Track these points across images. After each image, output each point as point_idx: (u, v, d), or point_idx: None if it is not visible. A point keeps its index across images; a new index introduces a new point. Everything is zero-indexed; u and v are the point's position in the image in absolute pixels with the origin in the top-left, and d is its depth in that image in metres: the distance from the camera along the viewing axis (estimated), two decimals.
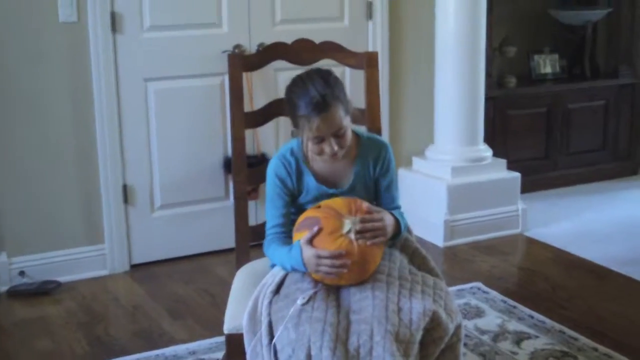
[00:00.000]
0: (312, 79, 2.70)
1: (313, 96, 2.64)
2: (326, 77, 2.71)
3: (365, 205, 2.66)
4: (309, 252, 2.58)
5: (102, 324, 4.16)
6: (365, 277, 2.60)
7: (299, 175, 2.84)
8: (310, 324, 2.43)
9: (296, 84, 2.74)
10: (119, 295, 4.54)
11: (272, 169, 2.85)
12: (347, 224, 2.57)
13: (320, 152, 2.72)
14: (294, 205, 2.87)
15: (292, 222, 2.80)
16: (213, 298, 4.42)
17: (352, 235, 2.55)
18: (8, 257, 4.57)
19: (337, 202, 2.66)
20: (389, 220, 2.73)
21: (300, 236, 2.61)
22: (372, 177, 2.88)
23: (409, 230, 2.97)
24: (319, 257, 2.56)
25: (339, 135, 2.69)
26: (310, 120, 2.64)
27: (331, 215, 2.58)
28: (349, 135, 2.75)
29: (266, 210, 2.88)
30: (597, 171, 6.59)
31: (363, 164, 2.86)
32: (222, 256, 4.95)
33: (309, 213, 2.64)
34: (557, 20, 6.55)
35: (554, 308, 4.24)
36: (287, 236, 2.81)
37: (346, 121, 2.71)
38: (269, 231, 2.86)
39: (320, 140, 2.69)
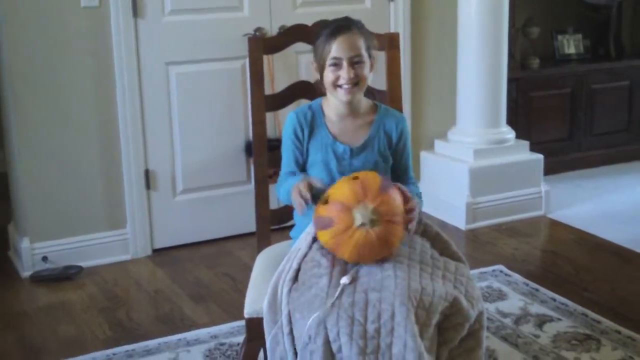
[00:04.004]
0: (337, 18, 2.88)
1: (336, 22, 2.81)
2: (351, 17, 2.88)
3: (376, 182, 2.58)
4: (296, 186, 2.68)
5: (124, 308, 4.18)
6: (389, 254, 2.57)
7: (313, 128, 2.89)
8: (324, 310, 2.42)
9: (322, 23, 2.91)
10: (141, 280, 4.55)
11: (288, 121, 2.92)
12: (358, 218, 2.51)
13: (336, 81, 2.79)
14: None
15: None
16: (234, 282, 4.43)
17: (367, 226, 2.50)
18: (30, 242, 4.59)
19: (344, 191, 2.57)
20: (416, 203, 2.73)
21: (322, 235, 2.59)
22: (386, 146, 2.92)
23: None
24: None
25: (356, 62, 2.78)
26: (330, 43, 2.78)
27: (341, 210, 2.53)
28: (367, 72, 2.82)
29: (282, 160, 2.96)
30: (621, 152, 6.54)
31: (378, 131, 2.91)
32: (243, 240, 4.95)
33: (320, 212, 2.59)
34: None
35: (577, 290, 4.21)
36: None
37: (365, 55, 2.81)
38: (282, 175, 2.95)
39: (337, 65, 2.78)
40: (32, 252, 4.59)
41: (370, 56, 2.84)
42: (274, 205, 3.25)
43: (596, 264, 4.59)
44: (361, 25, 2.84)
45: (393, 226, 2.54)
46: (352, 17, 2.88)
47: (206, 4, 4.81)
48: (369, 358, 2.38)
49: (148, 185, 4.83)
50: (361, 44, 2.79)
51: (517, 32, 6.05)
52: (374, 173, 2.65)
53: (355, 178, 2.59)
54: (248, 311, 2.78)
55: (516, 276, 4.37)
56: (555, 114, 6.21)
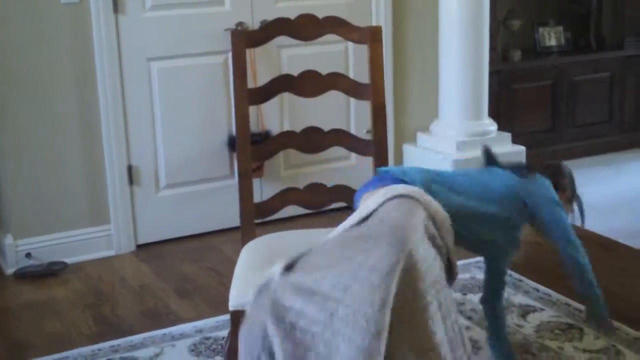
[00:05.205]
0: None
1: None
2: None
3: None
4: None
5: (109, 304, 4.18)
6: None
7: None
8: None
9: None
10: (125, 275, 4.55)
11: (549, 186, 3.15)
12: None
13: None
14: None
15: None
16: (219, 276, 4.43)
17: None
18: (14, 239, 4.57)
19: None
20: None
21: None
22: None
23: None
24: None
25: None
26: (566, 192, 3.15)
27: None
28: None
29: None
30: (603, 144, 6.58)
31: None
32: (228, 234, 4.94)
33: None
34: None
35: (560, 281, 4.22)
36: None
37: None
38: None
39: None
40: (16, 248, 4.58)
41: None
42: (257, 198, 3.26)
43: None
44: None
45: None
46: None
47: None
48: None
49: (131, 181, 4.83)
50: None
51: (498, 24, 6.07)
52: None
53: None
54: (233, 304, 2.79)
55: None
56: (537, 106, 6.24)
